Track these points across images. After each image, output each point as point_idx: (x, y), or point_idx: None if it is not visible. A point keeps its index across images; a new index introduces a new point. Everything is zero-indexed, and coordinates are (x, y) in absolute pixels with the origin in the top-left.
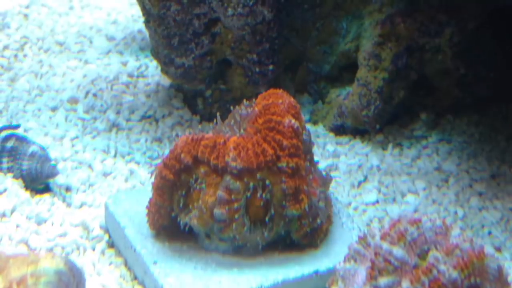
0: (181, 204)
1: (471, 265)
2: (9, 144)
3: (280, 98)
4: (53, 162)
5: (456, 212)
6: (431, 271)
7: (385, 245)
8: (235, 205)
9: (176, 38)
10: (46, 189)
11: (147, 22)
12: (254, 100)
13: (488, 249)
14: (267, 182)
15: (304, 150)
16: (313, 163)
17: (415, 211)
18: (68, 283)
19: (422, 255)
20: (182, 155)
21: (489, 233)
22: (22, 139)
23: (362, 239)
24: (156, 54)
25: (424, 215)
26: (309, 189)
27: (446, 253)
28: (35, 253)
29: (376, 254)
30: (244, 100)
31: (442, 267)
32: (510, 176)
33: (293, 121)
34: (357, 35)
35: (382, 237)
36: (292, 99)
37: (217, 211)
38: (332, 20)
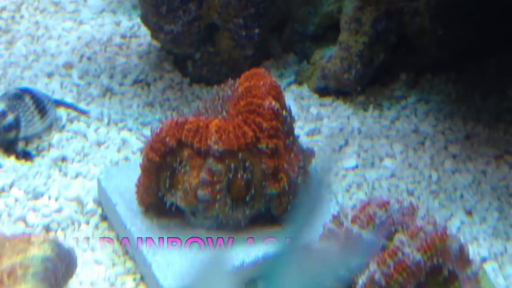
0: (167, 185)
1: (434, 247)
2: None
3: (262, 80)
4: None
5: (430, 176)
6: (396, 254)
7: (355, 229)
8: (218, 186)
9: (164, 6)
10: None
11: None
12: (237, 80)
13: (450, 230)
14: (248, 163)
15: (284, 130)
16: (294, 139)
17: (392, 176)
18: (55, 269)
19: (390, 237)
20: (167, 139)
21: (461, 196)
22: (14, 97)
23: (336, 218)
24: (145, 21)
25: (392, 198)
26: (289, 167)
27: (411, 236)
28: (27, 236)
29: (347, 238)
30: (229, 79)
31: (407, 249)
32: (484, 137)
33: (273, 103)
34: None
35: (353, 220)
36: (273, 79)
37: (201, 192)
38: None
